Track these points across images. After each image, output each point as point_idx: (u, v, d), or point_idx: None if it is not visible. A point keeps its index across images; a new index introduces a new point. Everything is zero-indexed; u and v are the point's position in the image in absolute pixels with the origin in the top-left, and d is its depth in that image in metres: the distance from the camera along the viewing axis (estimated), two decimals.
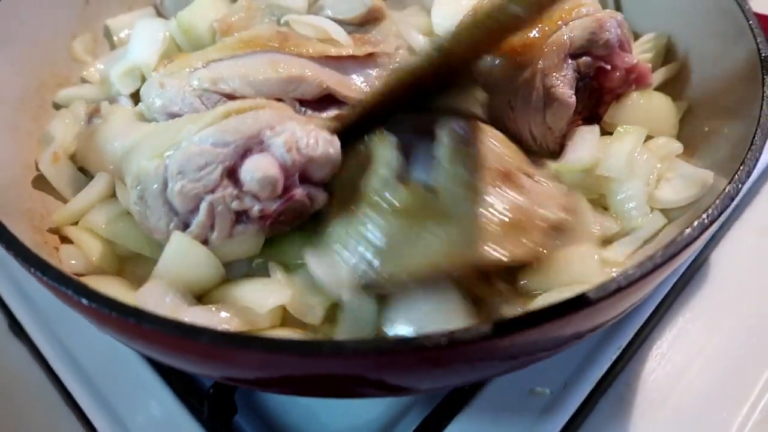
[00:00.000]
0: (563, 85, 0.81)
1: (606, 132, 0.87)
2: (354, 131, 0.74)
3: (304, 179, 0.71)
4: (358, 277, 0.64)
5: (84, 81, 0.97)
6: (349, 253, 0.65)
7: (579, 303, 0.55)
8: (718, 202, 0.63)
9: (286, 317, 0.70)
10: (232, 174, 0.67)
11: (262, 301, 0.67)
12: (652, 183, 0.80)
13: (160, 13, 1.06)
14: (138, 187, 0.68)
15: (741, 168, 0.66)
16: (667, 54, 0.96)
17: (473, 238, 0.63)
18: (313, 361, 0.50)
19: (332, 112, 0.86)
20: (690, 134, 0.87)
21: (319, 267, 0.67)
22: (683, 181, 0.79)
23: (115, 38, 1.02)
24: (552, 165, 0.82)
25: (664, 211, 0.79)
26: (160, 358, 0.61)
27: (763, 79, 0.75)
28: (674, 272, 0.88)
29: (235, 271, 0.74)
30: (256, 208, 0.68)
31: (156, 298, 0.64)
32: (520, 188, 0.68)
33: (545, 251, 0.67)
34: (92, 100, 0.91)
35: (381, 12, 0.95)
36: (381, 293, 0.66)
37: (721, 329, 0.86)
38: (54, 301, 0.82)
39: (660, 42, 0.95)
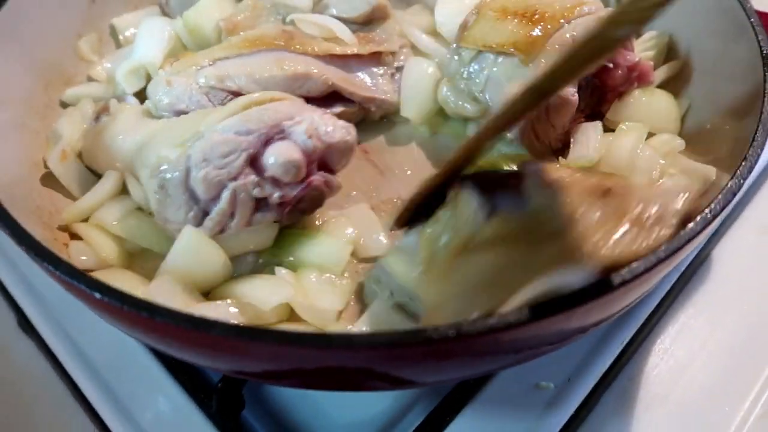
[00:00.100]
0: None
1: (609, 129, 0.88)
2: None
3: (322, 167, 0.73)
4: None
5: (90, 80, 0.98)
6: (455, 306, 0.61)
7: (583, 296, 0.56)
8: (720, 197, 0.64)
9: (292, 312, 0.71)
10: (254, 162, 0.69)
11: (267, 297, 0.68)
12: (655, 178, 0.81)
13: (165, 12, 1.06)
14: (159, 176, 0.69)
15: (743, 164, 0.67)
16: (668, 52, 0.97)
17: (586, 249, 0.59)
18: (324, 354, 0.51)
19: (337, 109, 0.88)
20: (692, 131, 0.88)
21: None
22: (686, 176, 0.79)
23: (120, 37, 1.03)
24: (561, 161, 0.82)
25: None
26: (171, 351, 0.62)
27: (765, 76, 0.76)
28: (677, 268, 0.89)
29: (241, 267, 0.75)
30: (276, 195, 0.70)
31: (166, 293, 0.65)
32: (623, 197, 0.64)
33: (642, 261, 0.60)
34: (99, 99, 0.92)
35: (385, 11, 0.96)
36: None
37: (723, 325, 0.86)
38: (62, 298, 0.84)
39: (662, 40, 0.96)
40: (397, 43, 0.94)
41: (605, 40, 0.57)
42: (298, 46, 0.86)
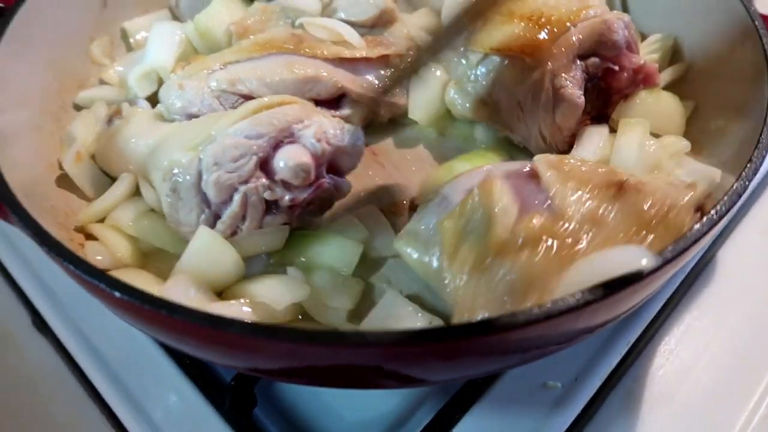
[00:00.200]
0: (572, 86, 0.83)
1: (614, 131, 0.89)
2: None
3: (331, 170, 0.74)
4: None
5: (102, 83, 0.99)
6: (488, 307, 0.62)
7: (591, 297, 0.56)
8: (726, 198, 0.65)
9: (303, 311, 0.72)
10: (264, 165, 0.70)
11: (280, 297, 0.70)
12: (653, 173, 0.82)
13: (175, 16, 1.08)
14: (171, 179, 0.70)
15: (748, 166, 0.68)
16: (673, 54, 0.98)
17: (615, 252, 0.61)
18: (338, 351, 0.52)
19: (346, 111, 0.89)
20: (697, 133, 0.89)
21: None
22: (691, 177, 0.80)
23: (131, 40, 1.05)
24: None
25: None
26: (187, 349, 0.63)
27: None
28: (682, 270, 0.89)
29: (253, 268, 0.76)
30: (286, 198, 0.71)
31: (180, 293, 0.66)
32: (638, 191, 0.66)
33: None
34: (111, 102, 0.93)
35: (393, 14, 0.97)
36: None
37: (727, 326, 0.87)
38: (76, 296, 0.85)
39: (667, 42, 0.97)
40: (405, 45, 0.95)
41: None
42: (307, 50, 0.87)
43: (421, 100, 0.94)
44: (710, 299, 0.90)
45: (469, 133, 0.94)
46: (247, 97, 0.83)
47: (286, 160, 0.70)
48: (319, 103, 0.84)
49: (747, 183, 0.67)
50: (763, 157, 0.70)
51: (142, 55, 0.96)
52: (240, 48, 0.88)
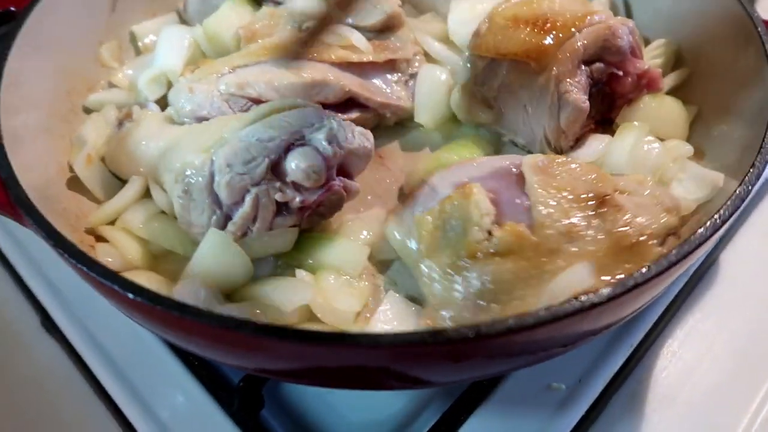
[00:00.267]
0: (577, 91, 0.84)
1: None
2: None
3: (340, 172, 0.76)
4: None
5: (111, 86, 1.00)
6: (457, 307, 0.64)
7: (596, 300, 0.57)
8: (729, 203, 0.66)
9: (311, 313, 0.73)
10: (275, 167, 0.71)
11: (288, 299, 0.70)
12: (656, 177, 0.82)
13: (183, 20, 1.08)
14: (183, 181, 0.71)
15: (751, 171, 0.69)
16: (677, 59, 0.99)
17: (581, 270, 0.62)
18: (349, 352, 0.53)
19: (353, 115, 0.90)
20: (700, 137, 0.90)
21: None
22: (695, 182, 0.81)
23: (140, 44, 1.05)
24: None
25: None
26: (198, 350, 0.64)
27: None
28: (685, 272, 0.90)
29: (261, 270, 0.77)
30: (297, 199, 0.72)
31: (191, 295, 0.67)
32: (618, 209, 0.67)
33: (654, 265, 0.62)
34: (120, 105, 0.94)
35: (399, 19, 0.98)
36: None
37: (730, 328, 0.88)
38: (85, 297, 0.86)
39: (670, 48, 0.98)
40: (411, 50, 0.96)
41: None
42: (315, 54, 0.88)
43: (426, 104, 0.95)
44: (713, 302, 0.91)
45: (474, 136, 0.95)
46: (256, 101, 0.84)
47: (297, 162, 0.71)
48: (326, 106, 0.85)
49: (750, 188, 0.68)
50: (766, 162, 0.71)
51: (150, 58, 0.97)
52: (248, 52, 0.89)
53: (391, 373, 0.61)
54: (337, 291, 0.74)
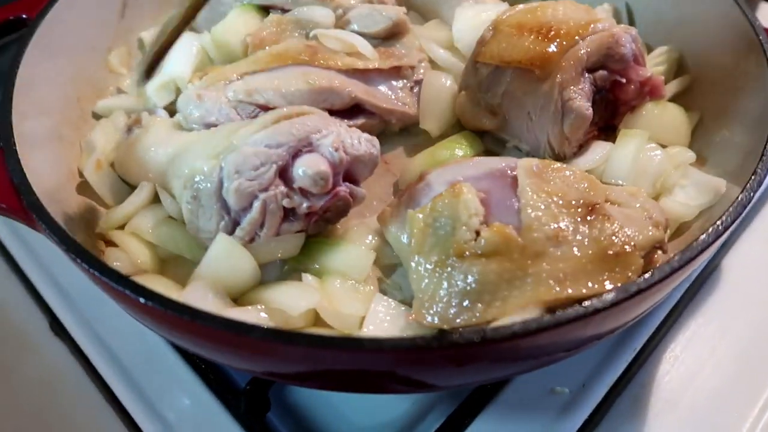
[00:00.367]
0: (580, 98, 0.85)
1: None
2: None
3: (347, 178, 0.77)
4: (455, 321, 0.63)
5: (120, 92, 1.01)
6: (442, 304, 0.65)
7: (599, 305, 0.58)
8: (731, 209, 0.66)
9: (317, 317, 0.74)
10: (283, 173, 0.73)
11: (295, 303, 0.71)
12: (658, 186, 0.83)
13: (191, 27, 1.09)
14: (192, 187, 0.72)
15: (753, 177, 0.70)
16: (679, 66, 0.99)
17: (565, 275, 0.63)
18: (354, 356, 0.54)
19: (359, 121, 0.91)
20: (702, 144, 0.90)
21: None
22: (697, 188, 0.82)
23: (148, 50, 1.07)
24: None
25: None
26: (207, 353, 0.65)
27: None
28: (687, 278, 0.91)
29: (268, 274, 0.78)
30: (304, 205, 0.73)
31: (199, 298, 0.68)
32: (606, 218, 0.68)
33: (638, 275, 0.64)
34: (129, 111, 0.95)
35: (405, 26, 0.99)
36: None
37: (732, 333, 0.88)
38: (93, 301, 0.87)
39: (672, 55, 0.99)
40: (417, 57, 0.97)
41: None
42: (321, 61, 0.90)
43: (431, 111, 0.96)
44: (715, 307, 0.91)
45: (478, 142, 0.95)
46: (264, 107, 0.85)
47: (305, 168, 0.71)
48: (332, 113, 0.86)
49: (752, 194, 0.69)
50: (767, 169, 0.71)
51: (159, 66, 0.98)
52: (256, 59, 0.90)
53: (396, 377, 0.62)
54: (342, 295, 0.74)
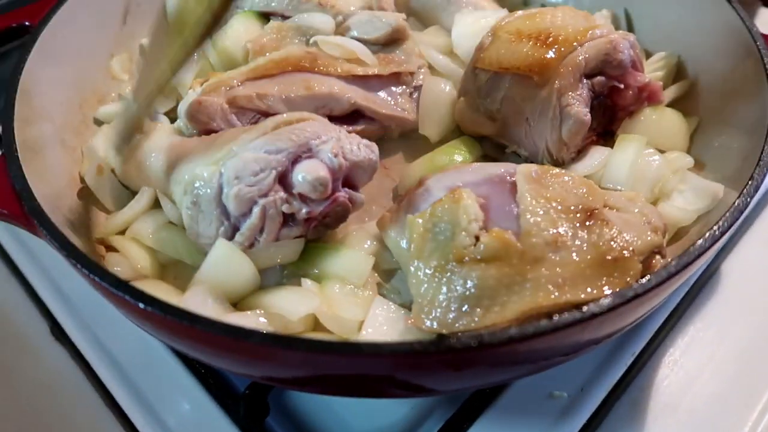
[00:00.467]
0: (579, 104, 0.85)
1: None
2: None
3: (346, 184, 0.77)
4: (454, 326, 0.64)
5: (122, 98, 1.02)
6: (441, 308, 0.65)
7: (596, 309, 0.59)
8: (728, 214, 0.67)
9: (316, 322, 0.74)
10: (283, 179, 0.73)
11: (294, 308, 0.71)
12: (656, 191, 0.84)
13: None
14: (192, 192, 0.73)
15: (750, 183, 0.70)
16: (678, 72, 1.00)
17: (564, 280, 0.63)
18: (353, 361, 0.54)
19: (359, 127, 0.92)
20: (701, 148, 0.91)
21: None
22: (695, 193, 0.82)
23: None
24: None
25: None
26: (206, 358, 0.65)
27: None
28: (686, 282, 0.91)
29: (268, 279, 0.78)
30: (303, 211, 0.74)
31: (199, 303, 0.68)
32: (605, 223, 0.68)
33: (637, 279, 0.64)
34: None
35: (404, 33, 0.99)
36: None
37: (731, 337, 0.88)
38: (94, 306, 0.88)
39: (671, 61, 0.99)
40: (416, 63, 0.98)
41: None
42: (321, 67, 0.90)
43: (431, 116, 0.96)
44: (714, 311, 0.91)
45: (477, 148, 0.96)
46: (264, 113, 0.86)
47: (304, 174, 0.72)
48: (332, 119, 0.87)
49: (749, 200, 0.69)
50: (765, 175, 0.72)
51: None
52: (256, 65, 0.90)
53: (394, 382, 0.62)
54: (341, 300, 0.75)
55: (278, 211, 0.73)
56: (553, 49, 0.86)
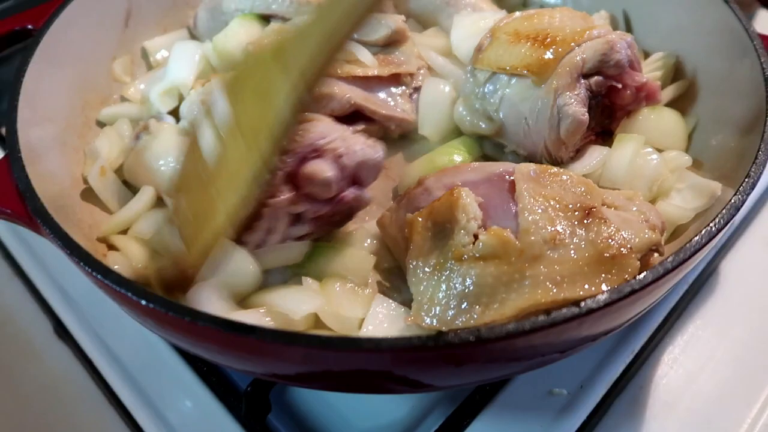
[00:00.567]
0: (576, 104, 0.86)
1: None
2: None
3: (352, 183, 0.78)
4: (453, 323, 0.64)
5: (123, 100, 1.03)
6: (440, 306, 0.66)
7: (593, 305, 0.59)
8: (724, 212, 0.67)
9: (318, 320, 0.75)
10: (290, 180, 0.73)
11: (297, 306, 0.72)
12: (655, 190, 0.84)
13: (193, 35, 1.11)
14: None
15: (746, 180, 0.71)
16: (676, 72, 1.00)
17: (562, 278, 0.64)
18: (353, 356, 0.55)
19: (359, 128, 0.92)
20: (699, 147, 0.91)
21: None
22: (693, 191, 0.83)
23: (151, 59, 1.08)
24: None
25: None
26: (209, 355, 0.65)
27: (767, 97, 0.79)
28: (685, 280, 0.92)
29: (271, 277, 0.79)
30: (311, 210, 0.74)
31: (203, 301, 0.69)
32: (603, 221, 0.68)
33: (635, 277, 0.64)
34: (132, 118, 0.97)
35: (404, 34, 1.00)
36: None
37: (730, 335, 0.89)
38: (97, 305, 0.88)
39: (669, 61, 1.00)
40: (415, 64, 0.99)
41: None
42: None
43: (430, 117, 0.97)
44: (713, 309, 0.92)
45: (476, 148, 0.97)
46: None
47: (311, 174, 0.72)
48: (332, 119, 0.87)
49: (745, 197, 0.69)
50: (761, 173, 0.72)
51: (162, 72, 1.00)
52: None
53: (394, 377, 0.62)
54: (342, 298, 0.75)
55: (286, 211, 0.73)
56: (551, 50, 0.86)
